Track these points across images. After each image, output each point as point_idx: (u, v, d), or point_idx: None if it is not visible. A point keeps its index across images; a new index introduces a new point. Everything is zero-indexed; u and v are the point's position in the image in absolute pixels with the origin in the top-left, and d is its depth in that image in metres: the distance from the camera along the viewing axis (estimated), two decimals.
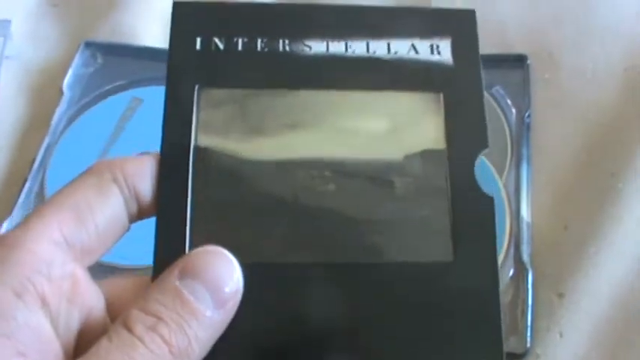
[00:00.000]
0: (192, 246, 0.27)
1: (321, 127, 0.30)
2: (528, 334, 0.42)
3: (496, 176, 0.47)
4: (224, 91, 0.30)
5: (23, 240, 0.25)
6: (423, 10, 0.33)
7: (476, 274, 0.28)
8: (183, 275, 0.25)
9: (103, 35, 0.57)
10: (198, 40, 0.30)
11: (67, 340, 0.25)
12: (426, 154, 0.29)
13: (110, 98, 0.53)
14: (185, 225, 0.28)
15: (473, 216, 0.28)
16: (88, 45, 0.56)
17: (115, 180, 0.27)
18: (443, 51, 0.31)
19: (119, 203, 0.27)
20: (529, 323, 0.42)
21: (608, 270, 0.44)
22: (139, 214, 0.28)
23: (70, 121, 0.53)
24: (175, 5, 0.31)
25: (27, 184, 0.50)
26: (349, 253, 0.28)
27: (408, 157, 0.29)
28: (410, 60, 0.30)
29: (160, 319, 0.25)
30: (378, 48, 0.31)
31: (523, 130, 0.49)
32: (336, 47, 0.30)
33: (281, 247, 0.28)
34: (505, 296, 0.43)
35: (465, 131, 0.29)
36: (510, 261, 0.44)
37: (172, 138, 0.29)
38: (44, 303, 0.25)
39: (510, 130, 0.49)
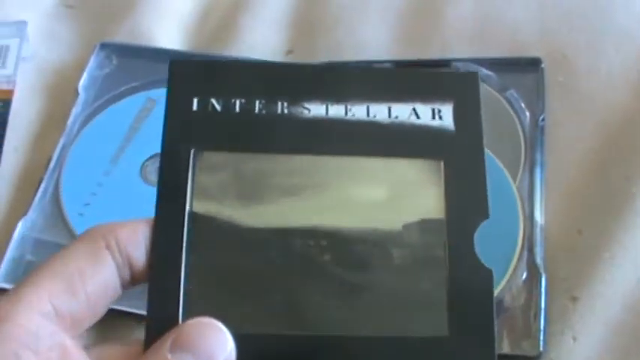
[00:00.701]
0: (186, 316, 0.27)
1: (319, 195, 0.29)
2: (541, 337, 0.41)
3: (509, 179, 0.47)
4: (220, 154, 0.29)
5: (13, 313, 0.25)
6: (426, 73, 0.32)
7: (472, 351, 0.27)
8: (175, 347, 0.25)
9: (119, 37, 0.57)
10: (195, 100, 0.30)
11: None
12: (425, 224, 0.29)
13: (125, 99, 0.54)
14: (178, 294, 0.27)
15: (470, 289, 0.28)
16: (104, 46, 0.57)
17: (108, 247, 0.27)
18: (444, 116, 0.30)
19: (111, 271, 0.27)
20: (542, 327, 0.42)
21: (622, 274, 0.43)
22: (132, 281, 0.28)
23: (86, 121, 0.53)
24: (172, 64, 0.30)
25: (42, 185, 0.50)
26: (342, 325, 0.28)
27: (406, 227, 0.29)
28: (410, 125, 0.30)
29: None
30: (379, 112, 0.30)
31: (537, 133, 0.49)
32: (336, 110, 0.30)
33: (275, 318, 0.28)
34: (518, 299, 0.43)
35: (466, 200, 0.29)
36: (523, 264, 0.44)
37: (167, 203, 0.28)
38: None
39: (524, 134, 0.49)
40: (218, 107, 0.30)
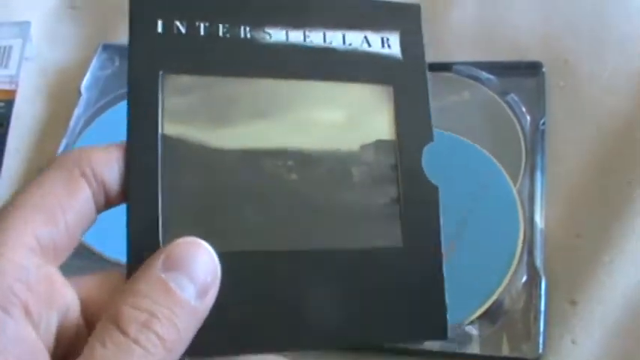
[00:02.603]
0: (166, 237, 0.27)
1: (283, 117, 0.30)
2: (541, 340, 0.41)
3: (510, 183, 0.47)
4: (188, 77, 0.30)
5: (1, 249, 0.25)
6: (375, 3, 0.33)
7: (423, 258, 0.30)
8: (168, 267, 0.26)
9: (121, 38, 0.57)
10: (160, 22, 0.30)
11: (48, 342, 0.26)
12: (379, 145, 0.31)
13: None
14: (157, 215, 0.28)
15: (419, 204, 0.31)
16: (106, 47, 0.57)
17: (84, 174, 0.27)
18: (392, 44, 0.32)
19: (87, 198, 0.27)
20: (541, 330, 0.42)
21: (621, 278, 0.43)
22: (106, 205, 0.28)
23: (88, 122, 0.53)
24: None
25: None
26: (310, 240, 0.29)
27: (363, 147, 0.31)
28: (363, 52, 0.32)
29: (152, 314, 0.25)
30: (334, 39, 0.32)
31: (538, 137, 0.49)
32: (295, 37, 0.31)
33: (247, 235, 0.29)
34: (518, 302, 0.43)
35: (413, 124, 0.31)
36: (523, 267, 0.44)
37: (138, 126, 0.28)
38: (28, 312, 0.25)
39: (525, 138, 0.49)
40: (183, 30, 0.30)
